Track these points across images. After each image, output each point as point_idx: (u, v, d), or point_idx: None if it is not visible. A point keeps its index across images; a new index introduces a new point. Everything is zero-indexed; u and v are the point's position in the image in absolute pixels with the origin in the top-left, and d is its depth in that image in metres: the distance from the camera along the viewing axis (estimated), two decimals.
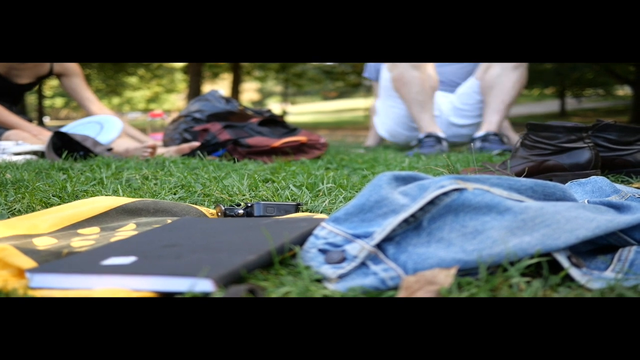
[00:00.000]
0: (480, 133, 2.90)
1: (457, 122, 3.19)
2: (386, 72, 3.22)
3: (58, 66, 2.87)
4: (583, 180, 1.12)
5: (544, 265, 0.65)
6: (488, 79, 3.04)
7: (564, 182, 1.28)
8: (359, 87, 23.79)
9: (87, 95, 2.95)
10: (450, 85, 3.31)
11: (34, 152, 2.23)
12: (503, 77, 2.98)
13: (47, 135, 2.43)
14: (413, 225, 0.71)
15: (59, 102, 24.37)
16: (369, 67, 3.64)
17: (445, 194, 0.71)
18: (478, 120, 3.18)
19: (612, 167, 1.55)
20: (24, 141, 2.36)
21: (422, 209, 0.71)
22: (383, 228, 0.70)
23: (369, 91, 27.02)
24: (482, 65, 3.10)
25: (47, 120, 17.11)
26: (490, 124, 2.93)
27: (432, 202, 0.71)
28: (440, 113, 3.20)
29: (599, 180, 1.10)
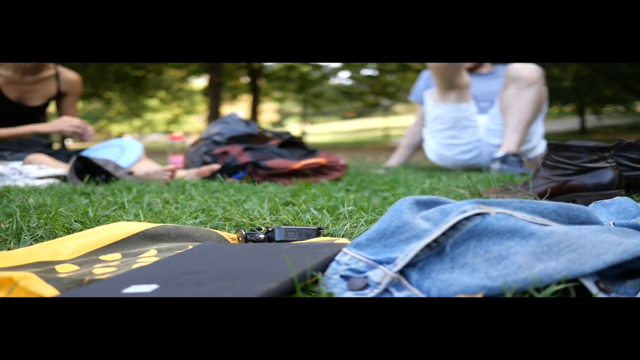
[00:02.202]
0: (499, 154, 2.86)
1: (493, 142, 3.20)
2: (430, 105, 3.29)
3: (64, 86, 2.96)
4: (607, 201, 1.10)
5: (571, 291, 0.64)
6: (504, 99, 3.03)
7: (587, 202, 1.26)
8: (377, 107, 23.80)
9: (73, 112, 3.06)
10: (488, 106, 3.35)
11: (57, 176, 2.25)
12: (518, 96, 2.97)
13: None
14: (436, 250, 0.70)
15: None
16: (416, 91, 3.81)
17: (468, 218, 0.70)
18: None
19: (636, 186, 1.52)
20: (46, 165, 2.39)
21: (445, 234, 0.70)
22: (406, 254, 0.69)
23: (386, 111, 27.08)
24: (503, 86, 3.09)
25: (69, 142, 17.29)
26: (509, 145, 2.91)
27: (454, 227, 0.70)
28: (480, 136, 3.27)
29: (623, 201, 1.08)
